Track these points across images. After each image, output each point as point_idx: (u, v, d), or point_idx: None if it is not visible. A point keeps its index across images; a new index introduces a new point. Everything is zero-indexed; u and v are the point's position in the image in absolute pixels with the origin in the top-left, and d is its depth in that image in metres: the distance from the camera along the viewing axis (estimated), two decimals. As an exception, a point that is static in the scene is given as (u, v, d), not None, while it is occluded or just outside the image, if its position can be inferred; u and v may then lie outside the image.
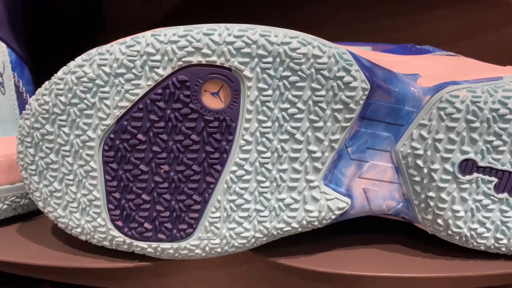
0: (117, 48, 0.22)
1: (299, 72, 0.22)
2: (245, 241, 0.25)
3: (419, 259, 0.26)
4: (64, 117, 0.24)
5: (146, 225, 0.24)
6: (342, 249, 0.28)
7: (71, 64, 0.23)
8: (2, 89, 0.31)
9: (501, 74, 0.24)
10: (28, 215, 0.32)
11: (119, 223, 0.25)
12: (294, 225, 0.25)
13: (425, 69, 0.25)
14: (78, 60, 0.23)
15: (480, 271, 0.25)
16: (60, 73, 0.24)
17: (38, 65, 0.36)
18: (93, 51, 0.23)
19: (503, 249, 0.25)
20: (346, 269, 0.25)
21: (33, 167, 0.25)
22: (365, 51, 0.26)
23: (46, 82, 0.24)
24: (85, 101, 0.23)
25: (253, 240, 0.25)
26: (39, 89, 0.24)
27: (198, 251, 0.25)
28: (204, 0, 0.48)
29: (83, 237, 0.26)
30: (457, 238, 0.25)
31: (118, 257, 0.26)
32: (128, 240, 0.25)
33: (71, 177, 0.24)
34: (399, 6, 0.45)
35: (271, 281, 0.29)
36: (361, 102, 0.23)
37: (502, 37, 0.42)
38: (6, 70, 0.31)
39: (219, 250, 0.25)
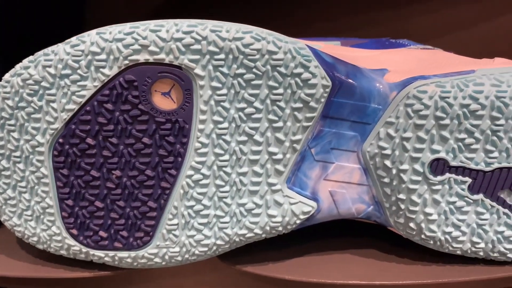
0: (61, 48, 0.21)
1: (254, 69, 0.21)
2: (206, 249, 0.23)
3: (393, 265, 0.25)
4: (12, 122, 0.23)
5: (101, 233, 0.23)
6: (313, 255, 0.26)
7: (18, 66, 0.22)
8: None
9: (474, 67, 0.23)
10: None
11: (74, 231, 0.23)
12: (257, 231, 0.23)
13: (395, 64, 0.24)
14: (25, 61, 0.22)
15: (456, 278, 0.23)
16: (7, 76, 0.23)
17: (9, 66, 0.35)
18: (40, 52, 0.22)
19: (481, 253, 0.24)
20: (315, 276, 0.24)
21: (-14, 174, 0.24)
22: (332, 46, 0.25)
23: (-5, 86, 0.23)
24: (32, 104, 0.22)
25: (214, 248, 0.23)
26: (-12, 92, 0.23)
27: (157, 260, 0.24)
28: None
29: (40, 246, 0.24)
30: (431, 242, 0.24)
31: (78, 267, 0.25)
32: (84, 249, 0.24)
33: (23, 184, 0.23)
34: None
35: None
36: (323, 100, 0.22)
37: (490, 30, 0.40)
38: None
39: (179, 258, 0.24)
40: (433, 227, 0.23)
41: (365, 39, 0.28)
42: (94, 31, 0.21)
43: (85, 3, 0.47)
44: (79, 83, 0.21)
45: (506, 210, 0.23)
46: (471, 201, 0.23)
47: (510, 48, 0.40)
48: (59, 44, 0.22)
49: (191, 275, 0.28)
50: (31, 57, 0.22)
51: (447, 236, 0.23)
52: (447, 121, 0.22)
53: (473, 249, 0.24)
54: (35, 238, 0.24)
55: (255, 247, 0.26)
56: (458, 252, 0.24)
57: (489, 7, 0.40)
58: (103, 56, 0.21)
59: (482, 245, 0.24)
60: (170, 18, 0.22)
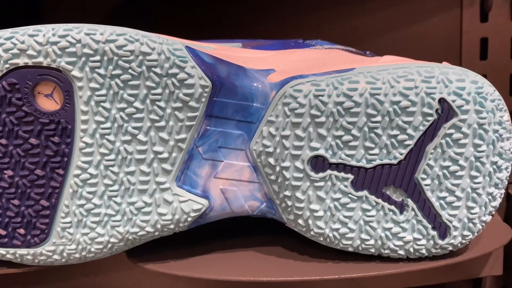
0: (-52, 54, 0.22)
1: (130, 70, 0.22)
2: (101, 246, 0.24)
3: (290, 262, 0.25)
4: None
5: (0, 231, 0.24)
6: (217, 252, 0.27)
7: None
8: None
9: (355, 65, 0.23)
10: None
11: (-25, 229, 0.24)
12: (149, 229, 0.24)
13: (283, 64, 0.24)
14: None
15: (342, 274, 0.23)
16: None
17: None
18: None
19: (372, 250, 0.24)
20: (208, 273, 0.24)
21: None
22: (226, 48, 0.25)
23: None
24: None
25: (109, 245, 0.24)
26: None
27: (56, 257, 0.24)
28: None
29: (-51, 245, 0.25)
30: (321, 239, 0.24)
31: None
32: (-14, 247, 0.24)
33: None
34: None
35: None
36: (203, 99, 0.22)
37: (421, 30, 0.40)
38: None
39: (77, 255, 0.24)
40: (320, 223, 0.23)
41: (271, 40, 0.28)
42: (-23, 37, 0.22)
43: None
44: (-35, 87, 0.22)
45: (392, 207, 0.23)
46: (355, 197, 0.23)
47: (439, 48, 0.40)
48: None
49: (106, 271, 0.29)
50: None
51: (335, 233, 0.24)
52: (322, 119, 0.22)
53: (363, 246, 0.24)
54: None
55: (160, 245, 0.26)
56: (350, 249, 0.24)
57: (420, 8, 0.40)
58: (-14, 61, 0.22)
59: (372, 242, 0.24)
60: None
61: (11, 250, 0.24)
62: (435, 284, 0.35)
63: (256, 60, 0.25)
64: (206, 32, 0.39)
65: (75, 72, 0.22)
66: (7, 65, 0.22)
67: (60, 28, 0.21)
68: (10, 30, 0.22)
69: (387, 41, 0.40)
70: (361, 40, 0.40)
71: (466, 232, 0.24)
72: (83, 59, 0.22)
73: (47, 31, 0.21)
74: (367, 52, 0.30)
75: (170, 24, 0.43)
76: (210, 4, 0.45)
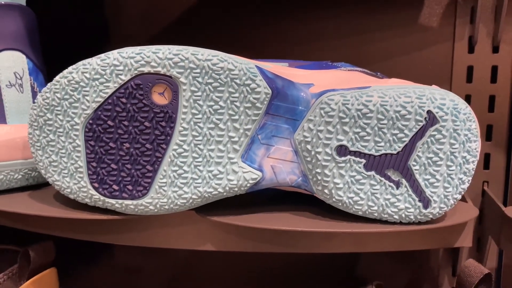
0: (94, 61, 0.32)
1: (219, 80, 0.32)
2: (185, 201, 0.34)
3: (316, 221, 0.35)
4: (59, 108, 0.34)
5: (114, 186, 0.34)
6: (262, 213, 0.37)
7: (65, 71, 0.33)
8: (21, 89, 0.41)
9: (371, 84, 0.33)
10: (38, 186, 0.43)
11: (96, 184, 0.34)
12: (220, 190, 0.34)
13: (320, 80, 0.34)
14: (69, 68, 0.33)
15: (353, 229, 0.33)
16: (57, 78, 0.34)
17: (53, 71, 0.46)
18: (80, 62, 0.33)
19: (375, 214, 0.34)
20: (257, 224, 0.34)
21: (38, 144, 0.35)
22: (279, 67, 0.35)
23: (48, 84, 0.34)
24: (73, 97, 0.33)
25: (191, 201, 0.34)
26: (44, 88, 0.35)
27: (151, 207, 0.34)
28: (192, 18, 0.58)
29: (71, 196, 0.35)
30: (340, 204, 0.34)
31: (97, 212, 0.36)
32: (101, 198, 0.34)
33: (63, 151, 0.34)
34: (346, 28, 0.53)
35: (211, 238, 0.38)
36: (265, 102, 0.33)
37: (428, 56, 0.50)
38: (25, 75, 0.42)
39: (166, 207, 0.34)
40: (340, 193, 0.34)
41: (307, 61, 0.38)
42: (116, 51, 0.32)
43: (108, 29, 0.59)
44: (104, 84, 0.32)
45: (391, 184, 0.33)
46: (366, 176, 0.33)
47: (434, 72, 0.50)
48: (93, 58, 0.33)
49: (178, 225, 0.38)
50: (74, 66, 0.33)
51: (350, 200, 0.34)
52: (347, 120, 0.32)
53: (369, 211, 0.34)
54: (68, 190, 0.35)
55: (223, 205, 0.36)
56: (360, 213, 0.34)
57: (420, 40, 0.50)
58: (121, 67, 0.32)
59: (375, 208, 0.34)
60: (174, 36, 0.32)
61: (120, 201, 0.34)
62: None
63: (300, 76, 0.35)
64: (258, 53, 0.49)
65: (182, 79, 0.32)
66: (136, 71, 0.32)
67: (174, 48, 0.32)
68: (138, 48, 0.32)
69: (393, 65, 0.50)
70: (372, 62, 0.50)
71: (442, 205, 0.34)
72: (188, 70, 0.32)
73: (164, 50, 0.32)
74: (378, 73, 0.40)
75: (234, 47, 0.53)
76: (263, 34, 0.55)
